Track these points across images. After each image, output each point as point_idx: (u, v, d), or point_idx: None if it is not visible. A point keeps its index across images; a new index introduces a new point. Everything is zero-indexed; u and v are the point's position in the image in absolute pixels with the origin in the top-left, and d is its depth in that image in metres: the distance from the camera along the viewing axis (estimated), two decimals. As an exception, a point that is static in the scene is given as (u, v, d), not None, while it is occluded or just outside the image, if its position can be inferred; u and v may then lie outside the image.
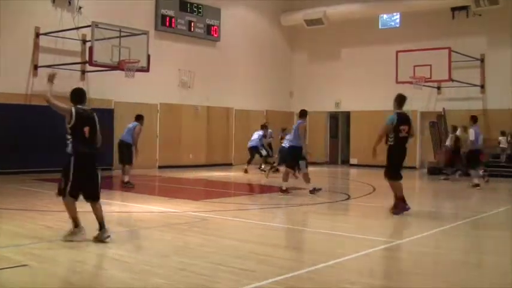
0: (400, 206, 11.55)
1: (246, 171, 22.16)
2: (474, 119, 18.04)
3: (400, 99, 12.11)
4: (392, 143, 11.66)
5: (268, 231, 9.91)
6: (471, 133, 17.69)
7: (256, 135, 22.86)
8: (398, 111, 11.97)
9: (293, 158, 15.00)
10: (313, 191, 14.73)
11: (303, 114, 15.47)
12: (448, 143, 21.84)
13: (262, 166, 23.16)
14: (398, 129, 11.63)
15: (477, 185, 17.42)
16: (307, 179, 14.90)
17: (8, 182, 16.79)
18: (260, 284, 6.16)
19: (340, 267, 7.21)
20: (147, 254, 7.61)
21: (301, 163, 14.87)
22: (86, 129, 8.91)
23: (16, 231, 9.08)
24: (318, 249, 8.56)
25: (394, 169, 11.65)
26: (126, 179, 16.36)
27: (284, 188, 14.88)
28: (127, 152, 16.58)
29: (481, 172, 18.48)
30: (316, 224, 11.10)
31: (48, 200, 12.99)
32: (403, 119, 11.84)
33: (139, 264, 7.03)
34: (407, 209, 11.53)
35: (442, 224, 11.01)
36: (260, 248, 8.26)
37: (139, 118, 16.85)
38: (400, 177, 11.76)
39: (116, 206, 12.80)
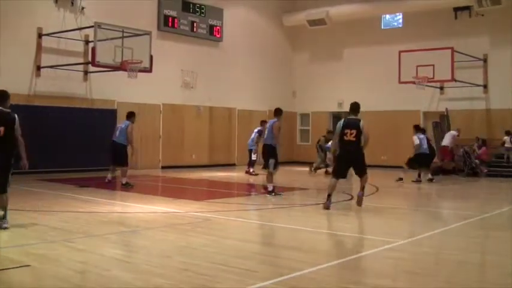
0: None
1: (250, 172, 22.17)
2: (417, 128, 20.25)
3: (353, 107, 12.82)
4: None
5: (271, 231, 9.91)
6: (415, 139, 19.60)
7: (253, 134, 22.79)
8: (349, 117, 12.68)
9: (269, 156, 14.89)
10: (271, 192, 14.58)
11: (277, 113, 15.28)
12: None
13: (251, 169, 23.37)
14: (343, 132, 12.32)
15: (431, 180, 19.73)
16: (270, 179, 14.76)
17: (10, 182, 16.77)
18: (263, 284, 6.15)
19: (343, 268, 7.21)
20: (149, 254, 7.61)
21: (270, 162, 14.70)
22: (1, 128, 9.49)
23: (18, 232, 9.09)
24: (320, 249, 8.56)
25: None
26: (124, 180, 16.28)
27: (270, 189, 14.74)
28: (121, 153, 16.39)
29: (429, 175, 19.97)
30: (319, 224, 11.09)
31: (51, 200, 13.03)
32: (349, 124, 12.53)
33: (141, 264, 7.04)
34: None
35: (444, 225, 11.01)
36: (263, 248, 8.25)
37: (130, 116, 16.68)
38: (341, 177, 12.68)
39: (119, 207, 12.83)
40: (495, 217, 11.90)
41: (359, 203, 12.57)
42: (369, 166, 19.95)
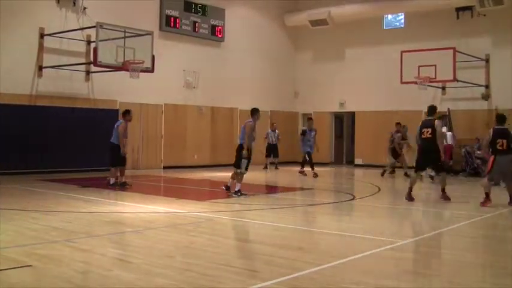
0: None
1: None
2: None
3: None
4: None
5: (273, 231, 9.91)
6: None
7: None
8: None
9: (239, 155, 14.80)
10: (237, 193, 14.39)
11: (253, 112, 15.15)
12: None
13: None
14: None
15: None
16: (239, 178, 14.60)
17: (12, 182, 16.84)
18: (264, 284, 6.15)
19: (345, 268, 7.20)
20: (151, 255, 7.61)
21: (243, 162, 14.59)
22: None
23: (20, 232, 9.09)
24: (322, 249, 8.55)
25: None
26: (112, 181, 16.19)
27: (237, 188, 14.54)
28: (115, 153, 16.13)
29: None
30: (321, 224, 11.09)
31: (53, 201, 13.03)
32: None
33: (143, 264, 7.04)
34: None
35: (446, 225, 11.01)
36: (265, 248, 8.25)
37: (124, 114, 16.56)
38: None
39: (121, 207, 12.83)
40: (496, 217, 11.88)
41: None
42: (372, 166, 20.11)
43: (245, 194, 14.43)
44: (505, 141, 12.91)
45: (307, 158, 21.32)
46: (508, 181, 13.40)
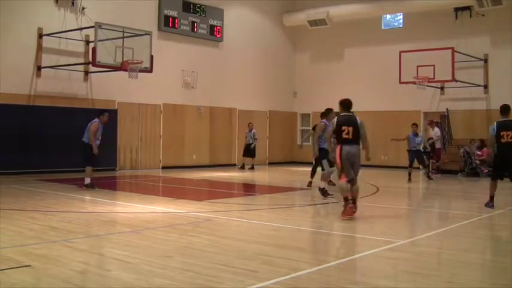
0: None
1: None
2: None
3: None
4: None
5: (272, 231, 9.91)
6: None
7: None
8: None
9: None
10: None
11: (325, 114, 15.29)
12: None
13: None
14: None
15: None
16: (326, 177, 14.70)
17: (10, 182, 16.84)
18: (263, 284, 6.16)
19: (344, 268, 7.21)
20: (150, 255, 7.60)
21: (324, 163, 14.51)
22: None
23: (19, 232, 9.08)
24: (321, 249, 8.56)
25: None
26: (87, 181, 15.55)
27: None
28: (84, 152, 15.62)
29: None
30: (319, 224, 11.08)
31: (51, 200, 13.03)
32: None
33: (143, 264, 7.03)
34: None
35: (444, 225, 11.01)
36: (264, 248, 8.25)
37: (100, 114, 15.96)
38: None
39: (120, 207, 12.83)
40: (495, 217, 11.89)
41: None
42: (370, 166, 20.12)
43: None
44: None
45: None
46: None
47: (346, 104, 11.60)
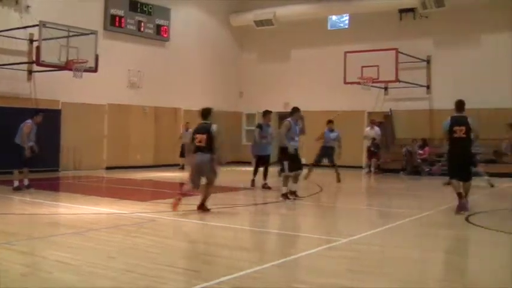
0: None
1: None
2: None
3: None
4: None
5: (216, 231, 9.94)
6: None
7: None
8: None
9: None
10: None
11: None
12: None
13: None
14: None
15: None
16: (286, 182, 14.01)
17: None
18: (207, 284, 6.17)
19: (288, 267, 7.28)
20: (93, 256, 7.55)
21: (285, 164, 14.09)
22: None
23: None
24: (265, 248, 8.63)
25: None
26: (16, 184, 15.28)
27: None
28: (19, 155, 15.30)
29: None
30: (264, 223, 11.17)
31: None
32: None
33: (85, 266, 6.97)
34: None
35: (386, 223, 11.20)
36: (207, 248, 8.28)
37: (34, 115, 15.75)
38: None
39: (62, 208, 12.68)
40: (434, 215, 12.16)
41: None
42: (314, 166, 20.27)
43: (295, 198, 13.87)
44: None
45: None
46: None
47: (203, 113, 12.41)
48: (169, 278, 6.47)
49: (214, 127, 11.71)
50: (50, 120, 19.16)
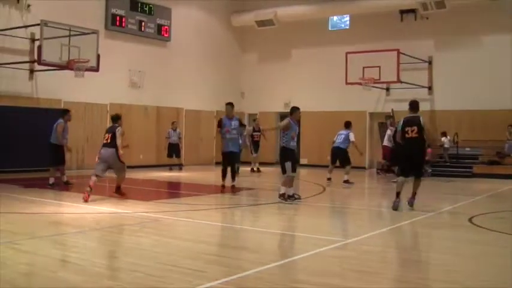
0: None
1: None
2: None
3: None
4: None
5: (219, 231, 9.94)
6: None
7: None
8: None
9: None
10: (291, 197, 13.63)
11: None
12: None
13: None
14: None
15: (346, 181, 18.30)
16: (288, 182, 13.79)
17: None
18: (211, 284, 6.17)
19: (290, 267, 7.28)
20: (97, 256, 7.55)
21: (287, 165, 13.99)
22: None
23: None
24: (268, 249, 8.62)
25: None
26: (51, 181, 16.23)
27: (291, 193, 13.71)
28: (54, 153, 16.35)
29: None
30: (266, 224, 11.16)
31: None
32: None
33: (89, 266, 6.97)
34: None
35: (389, 223, 11.20)
36: (211, 248, 8.27)
37: (62, 114, 16.81)
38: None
39: (65, 207, 12.67)
40: (437, 216, 12.16)
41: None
42: (317, 166, 20.30)
43: (298, 198, 13.62)
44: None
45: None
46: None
47: (112, 118, 14.12)
48: (173, 277, 6.46)
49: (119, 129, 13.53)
50: (51, 119, 19.12)
